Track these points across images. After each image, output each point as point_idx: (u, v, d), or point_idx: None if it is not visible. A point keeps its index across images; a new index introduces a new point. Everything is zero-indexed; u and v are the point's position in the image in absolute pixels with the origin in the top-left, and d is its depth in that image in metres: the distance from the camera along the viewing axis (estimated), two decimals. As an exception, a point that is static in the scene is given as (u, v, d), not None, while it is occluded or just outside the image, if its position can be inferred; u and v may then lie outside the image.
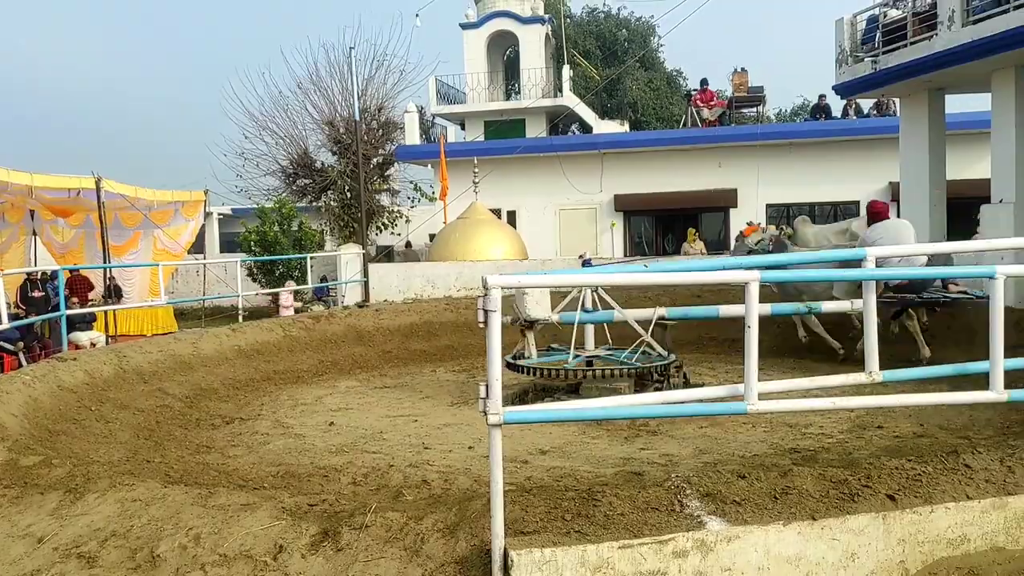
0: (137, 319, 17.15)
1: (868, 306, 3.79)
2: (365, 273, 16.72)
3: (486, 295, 3.22)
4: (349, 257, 18.16)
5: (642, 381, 8.63)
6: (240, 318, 13.87)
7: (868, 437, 6.68)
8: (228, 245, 29.93)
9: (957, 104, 15.20)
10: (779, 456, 6.15)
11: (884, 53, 12.99)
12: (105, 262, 14.92)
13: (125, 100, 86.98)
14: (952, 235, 13.81)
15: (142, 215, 16.65)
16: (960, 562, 3.61)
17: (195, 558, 3.67)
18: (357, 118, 18.92)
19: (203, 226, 21.25)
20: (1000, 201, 11.63)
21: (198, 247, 22.88)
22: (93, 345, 12.62)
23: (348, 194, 22.90)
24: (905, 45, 12.50)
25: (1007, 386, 3.91)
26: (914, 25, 12.38)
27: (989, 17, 10.81)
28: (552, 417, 3.35)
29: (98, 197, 14.38)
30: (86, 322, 13.98)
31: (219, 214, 30.88)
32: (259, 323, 12.23)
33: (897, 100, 17.40)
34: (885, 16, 13.18)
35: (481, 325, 3.28)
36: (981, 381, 3.92)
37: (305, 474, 6.07)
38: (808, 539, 3.47)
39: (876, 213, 9.59)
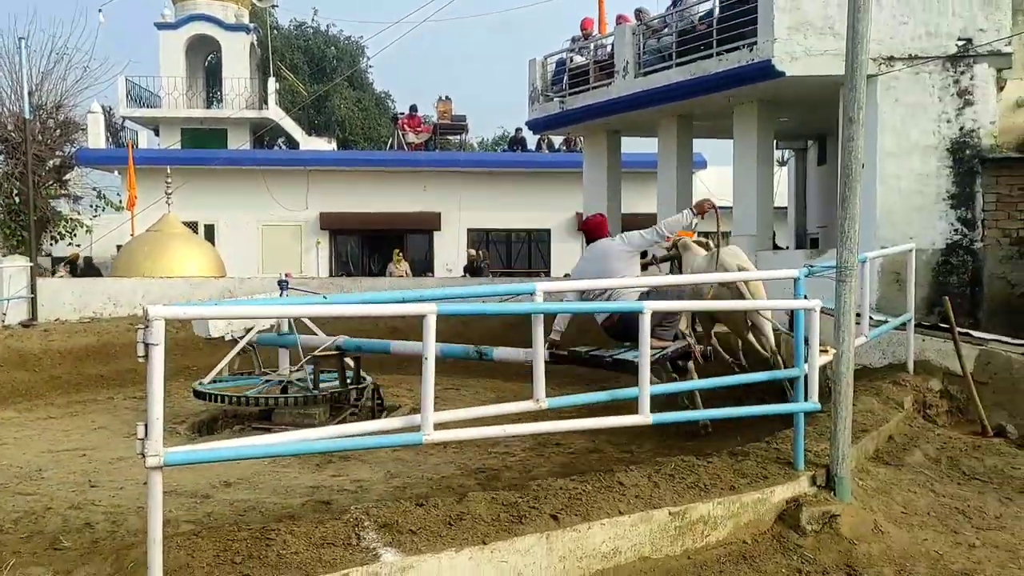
0: None
1: (537, 336, 4.05)
2: (32, 289, 14.92)
3: (147, 327, 2.99)
4: (13, 270, 16.13)
5: (338, 405, 8.55)
6: None
7: (548, 454, 7.13)
8: None
9: (632, 145, 16.84)
10: (465, 476, 6.37)
11: (570, 95, 14.08)
12: None
13: None
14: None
15: None
16: (612, 573, 3.94)
17: None
18: (27, 115, 16.92)
19: None
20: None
21: None
22: None
23: (16, 199, 20.39)
24: (587, 89, 13.65)
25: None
26: (595, 72, 13.57)
27: (656, 71, 12.14)
28: (220, 456, 3.19)
29: None
30: None
31: None
32: None
33: (582, 138, 18.96)
34: (572, 61, 14.31)
35: (141, 359, 3.04)
36: (633, 406, 4.33)
37: (-64, 523, 5.26)
38: (479, 563, 3.60)
39: (586, 231, 7.84)
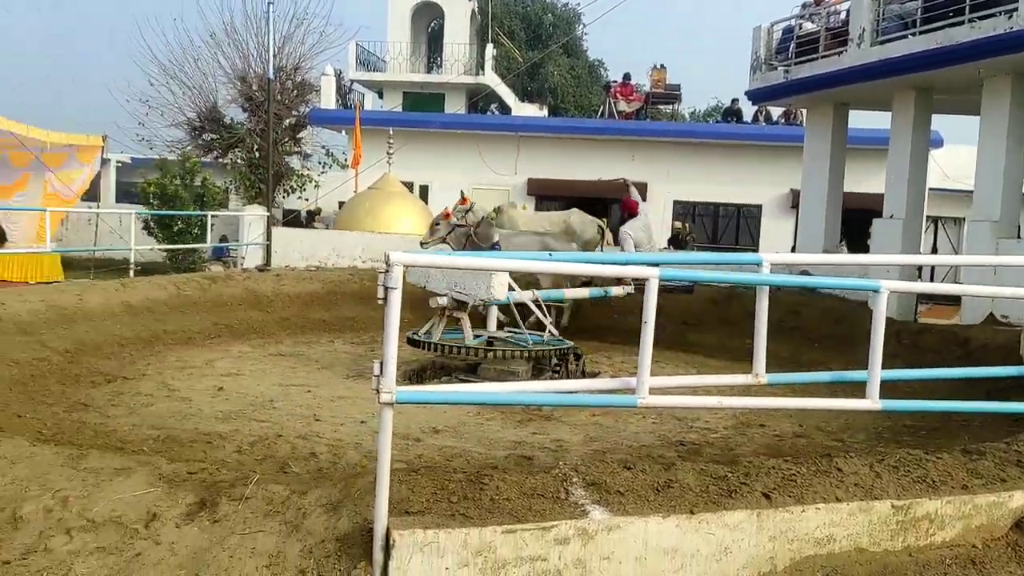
0: (20, 265, 16.23)
1: (760, 310, 3.90)
2: (268, 236, 16.28)
3: (387, 271, 3.16)
4: (252, 218, 17.66)
5: (539, 366, 8.71)
6: (132, 273, 13.31)
7: (750, 435, 6.92)
8: (125, 195, 28.60)
9: (859, 120, 15.81)
10: (666, 448, 6.31)
11: (796, 64, 13.38)
12: (-12, 203, 14.08)
13: (25, 38, 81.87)
14: (845, 245, 14.41)
15: (33, 156, 15.76)
16: (825, 561, 3.77)
17: (61, 521, 3.51)
18: (271, 76, 18.33)
19: (99, 173, 20.28)
20: (891, 217, 12.18)
21: (92, 195, 21.85)
22: (-32, 289, 11.91)
23: (256, 153, 22.21)
24: (816, 58, 12.91)
25: (882, 395, 4.09)
26: (826, 40, 12.79)
27: (895, 40, 11.26)
28: (446, 399, 3.33)
29: (-14, 133, 13.55)
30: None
31: (117, 162, 29.49)
32: (151, 279, 11.78)
33: (804, 111, 18.00)
34: (800, 28, 13.57)
35: (380, 301, 3.22)
36: (859, 389, 4.10)
37: (188, 440, 5.89)
38: (686, 532, 3.56)
39: (629, 210, 11.74)
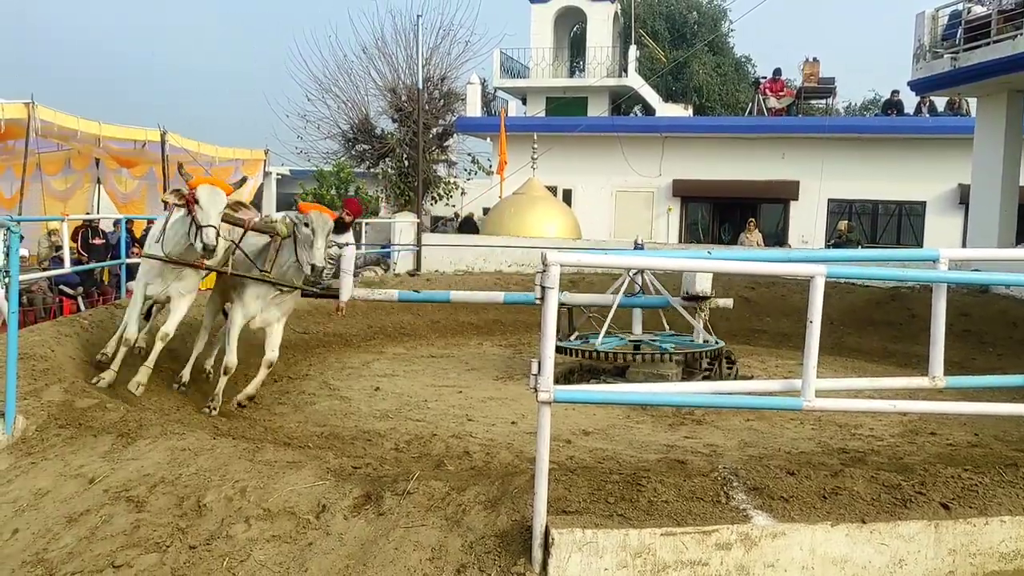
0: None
1: (937, 309, 3.67)
2: (418, 242, 16.78)
3: (545, 271, 3.18)
4: (403, 225, 18.23)
5: (690, 369, 8.54)
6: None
7: (920, 443, 6.51)
8: (285, 205, 30.22)
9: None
10: (827, 455, 6.03)
11: (965, 50, 12.55)
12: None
13: (191, 58, 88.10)
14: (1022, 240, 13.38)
15: (203, 170, 16.88)
16: (1012, 577, 3.51)
17: (240, 510, 3.73)
18: (420, 87, 18.87)
19: (262, 185, 21.48)
20: (1076, 210, 11.22)
21: (256, 206, 23.13)
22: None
23: (406, 162, 22.94)
24: (988, 43, 12.06)
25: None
26: (999, 23, 11.93)
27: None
28: (603, 399, 3.32)
29: (162, 150, 14.62)
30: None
31: (278, 174, 31.20)
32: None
33: (972, 100, 16.84)
34: (969, 12, 12.72)
35: (538, 301, 3.24)
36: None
37: (349, 436, 6.13)
38: (856, 542, 3.39)
39: None
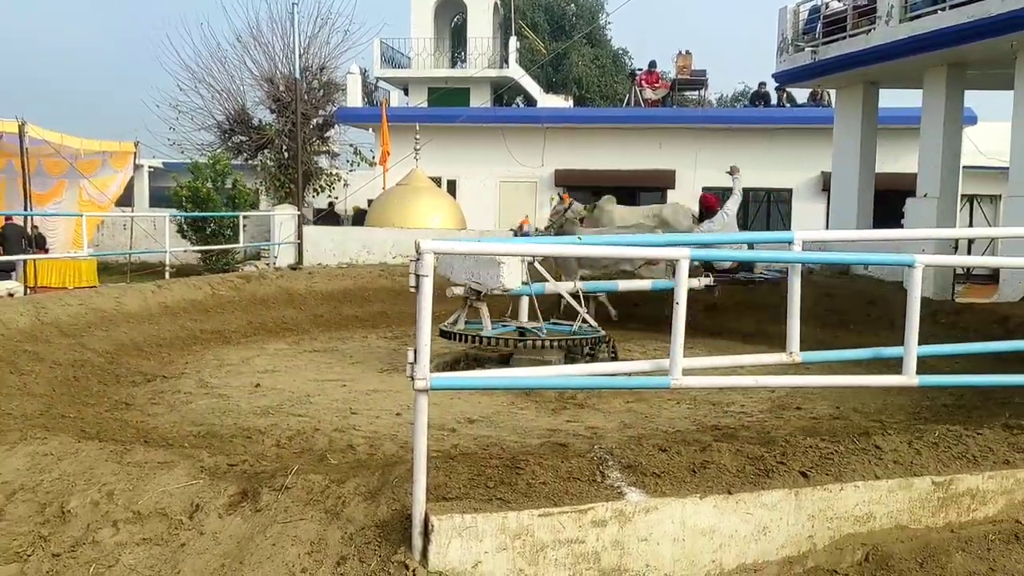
0: (59, 271, 16.51)
1: (793, 287, 3.88)
2: (299, 235, 16.44)
3: (419, 259, 3.19)
4: (283, 218, 17.82)
5: (572, 355, 8.72)
6: (167, 275, 13.51)
7: (786, 417, 6.87)
8: (158, 199, 29.01)
9: (889, 98, 15.60)
10: (701, 432, 6.29)
11: (824, 44, 13.23)
12: (26, 210, 14.33)
13: (52, 45, 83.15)
14: (878, 225, 14.21)
15: (68, 163, 16.02)
16: (865, 538, 3.75)
17: (107, 514, 3.59)
18: (297, 76, 18.47)
19: (132, 178, 20.54)
20: (924, 195, 12.01)
21: (126, 200, 22.14)
22: (11, 295, 12.15)
23: (285, 154, 22.42)
24: (844, 37, 12.75)
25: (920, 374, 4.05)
26: (854, 18, 12.63)
27: (924, 15, 11.09)
28: (479, 384, 3.35)
29: (20, 142, 13.77)
30: (4, 271, 13.44)
31: (149, 167, 29.91)
32: (187, 280, 11.94)
33: (832, 91, 17.78)
34: (827, 7, 13.41)
35: (412, 290, 3.25)
36: (897, 368, 4.06)
37: (228, 435, 5.98)
38: (723, 512, 3.55)
39: (709, 207, 11.72)
